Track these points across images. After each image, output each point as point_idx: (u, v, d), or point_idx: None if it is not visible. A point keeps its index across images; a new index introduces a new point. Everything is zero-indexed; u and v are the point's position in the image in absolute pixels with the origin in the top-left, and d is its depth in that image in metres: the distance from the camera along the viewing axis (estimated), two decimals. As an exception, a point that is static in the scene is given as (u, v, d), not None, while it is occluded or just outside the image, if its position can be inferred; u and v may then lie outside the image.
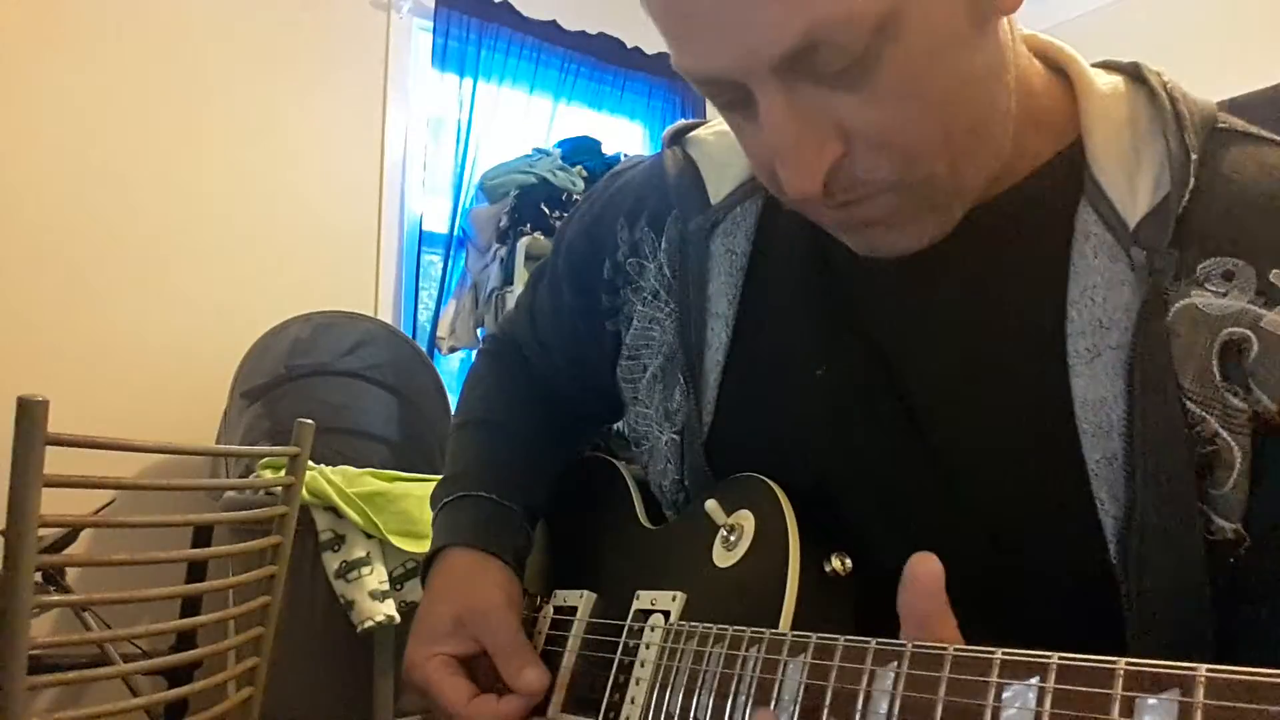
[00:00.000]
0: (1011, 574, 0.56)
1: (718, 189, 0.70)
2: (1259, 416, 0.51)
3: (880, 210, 0.54)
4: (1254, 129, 0.58)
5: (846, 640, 0.45)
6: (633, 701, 0.60)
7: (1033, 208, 0.58)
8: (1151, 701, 0.31)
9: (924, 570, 0.45)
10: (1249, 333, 0.51)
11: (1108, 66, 0.62)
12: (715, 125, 0.73)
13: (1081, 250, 0.55)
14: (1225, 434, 0.51)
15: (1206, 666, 0.31)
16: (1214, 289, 0.52)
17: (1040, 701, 0.35)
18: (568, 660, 0.69)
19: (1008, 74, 0.54)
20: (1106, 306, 0.54)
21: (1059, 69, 0.61)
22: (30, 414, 1.07)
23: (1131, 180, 0.55)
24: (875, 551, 0.57)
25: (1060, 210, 0.57)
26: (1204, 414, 0.51)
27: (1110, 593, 0.53)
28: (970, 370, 0.59)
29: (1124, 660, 0.33)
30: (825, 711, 0.44)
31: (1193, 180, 0.54)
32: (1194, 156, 0.54)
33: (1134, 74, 0.60)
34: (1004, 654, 0.38)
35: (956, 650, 0.40)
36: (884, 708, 0.41)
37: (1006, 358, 0.58)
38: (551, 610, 0.75)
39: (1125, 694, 0.32)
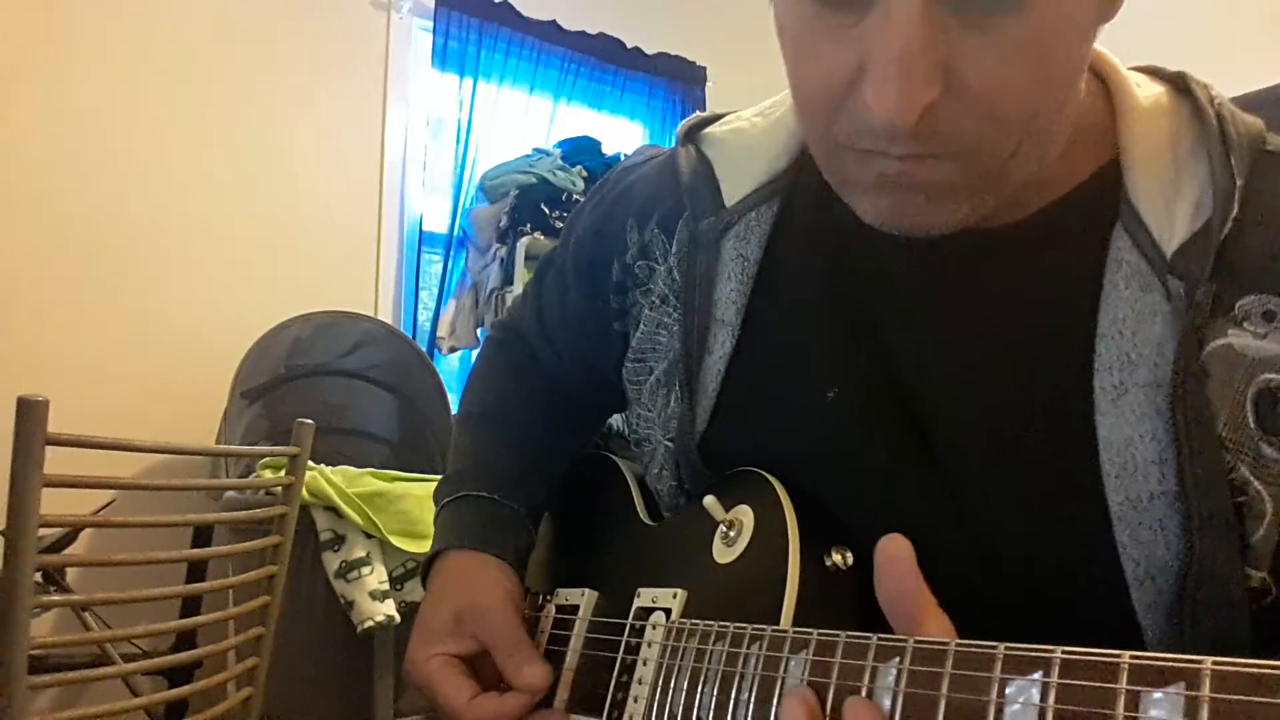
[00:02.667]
0: (1023, 607, 0.54)
1: (733, 190, 0.67)
2: None
3: (934, 175, 0.49)
4: None
5: (848, 636, 0.45)
6: (636, 700, 0.60)
7: (1066, 229, 0.55)
8: (1157, 695, 0.31)
9: (896, 548, 0.44)
10: None
11: (1151, 73, 0.59)
12: (731, 122, 0.71)
13: (1113, 279, 0.52)
14: (1256, 483, 0.49)
15: (1212, 660, 0.30)
16: (1252, 329, 0.50)
17: (1044, 697, 0.35)
18: (571, 660, 0.69)
19: (1082, 81, 0.52)
20: (1136, 340, 0.51)
21: (1097, 76, 0.58)
22: (30, 414, 1.07)
23: (1170, 205, 0.52)
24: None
25: (1094, 234, 0.54)
26: (1235, 461, 0.49)
27: (1127, 632, 0.51)
28: (989, 399, 0.56)
29: (1128, 654, 0.33)
30: (828, 708, 0.44)
31: (1235, 208, 0.51)
32: (1239, 182, 0.51)
33: (1179, 85, 0.57)
34: (1007, 649, 0.37)
35: (959, 645, 0.39)
36: (886, 704, 0.41)
37: (1028, 389, 0.55)
38: (554, 609, 0.75)
39: (1130, 688, 0.32)
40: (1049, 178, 0.55)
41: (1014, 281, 0.56)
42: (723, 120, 0.72)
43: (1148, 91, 0.57)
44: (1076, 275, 0.54)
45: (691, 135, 0.72)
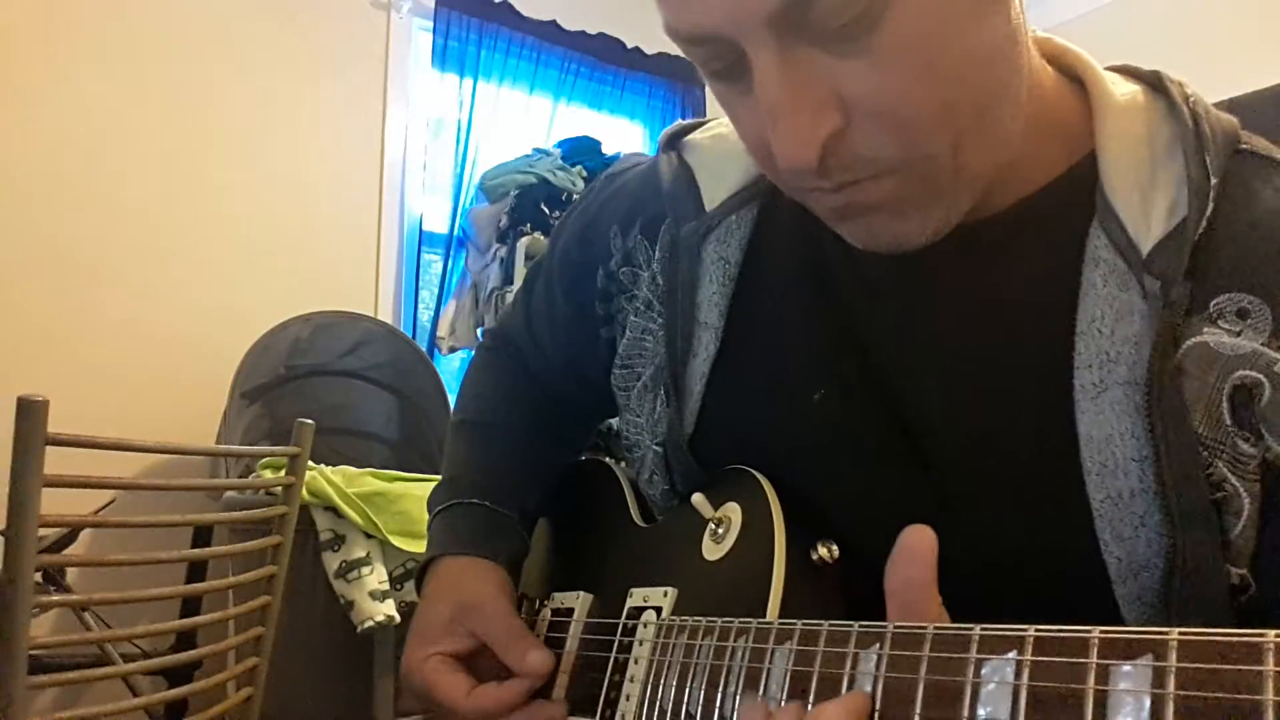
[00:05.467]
0: (1008, 605, 0.53)
1: (713, 195, 0.68)
2: (1269, 464, 0.48)
3: (881, 194, 0.50)
4: (1277, 152, 0.55)
5: (830, 625, 0.46)
6: (628, 698, 0.60)
7: (1042, 226, 0.55)
8: (1126, 668, 0.32)
9: (918, 538, 0.44)
10: (1262, 377, 0.48)
11: (1126, 72, 0.58)
12: (713, 129, 0.71)
13: (1091, 277, 0.52)
14: (1234, 479, 0.49)
15: (1179, 630, 0.31)
16: (1227, 327, 0.50)
17: (1018, 674, 0.35)
18: (566, 661, 0.69)
19: (1020, 60, 0.51)
20: (1114, 339, 0.51)
21: (1074, 76, 0.58)
22: (30, 414, 1.07)
23: (1146, 202, 0.52)
24: (867, 570, 0.56)
25: (1070, 231, 0.54)
26: (1212, 459, 0.49)
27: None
28: (971, 398, 0.56)
29: (1098, 629, 0.33)
30: (811, 696, 0.44)
31: (1210, 206, 0.51)
32: (1214, 181, 0.51)
33: (1154, 84, 0.56)
34: (982, 629, 0.38)
35: (936, 629, 0.40)
36: (867, 689, 0.41)
37: (1009, 387, 0.55)
38: (549, 613, 0.75)
39: (1100, 662, 0.32)
40: (1021, 172, 0.55)
41: (992, 277, 0.56)
42: (704, 127, 0.72)
43: (1123, 89, 0.56)
44: (1054, 272, 0.54)
45: (673, 142, 0.73)
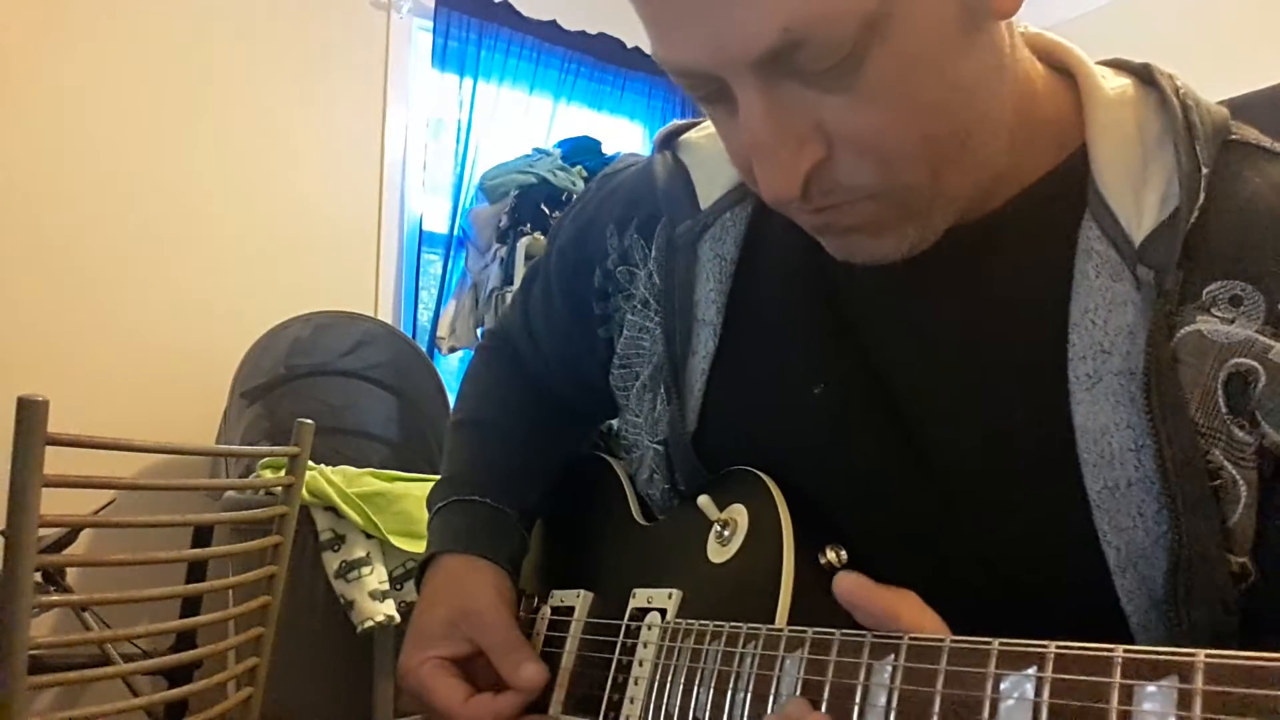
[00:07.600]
0: (1009, 599, 0.53)
1: (708, 194, 0.68)
2: (1265, 451, 0.49)
3: (859, 217, 0.52)
4: (1266, 142, 0.55)
5: (843, 634, 0.45)
6: (632, 701, 0.60)
7: (1035, 221, 0.56)
8: (1151, 689, 0.31)
9: (846, 588, 0.46)
10: (1256, 364, 0.49)
11: (1117, 66, 0.59)
12: (707, 127, 0.72)
13: (1083, 269, 0.53)
14: (1230, 467, 0.49)
15: (1205, 652, 0.30)
16: (1220, 314, 0.50)
17: (1038, 691, 0.35)
18: (566, 661, 0.69)
19: (1003, 82, 0.52)
20: (1108, 329, 0.51)
21: (1064, 70, 0.59)
22: (30, 414, 1.07)
23: (1138, 194, 0.53)
24: (868, 566, 0.56)
25: (1063, 224, 0.54)
26: (1209, 446, 0.49)
27: (1113, 620, 0.52)
28: (968, 392, 0.57)
29: (1121, 648, 0.33)
30: (824, 706, 0.44)
31: (1202, 196, 0.51)
32: (1205, 171, 0.51)
33: (1144, 77, 0.57)
34: (1001, 644, 0.37)
35: (953, 641, 0.39)
36: (882, 701, 0.41)
37: (1005, 380, 0.55)
38: (549, 611, 0.75)
39: (1124, 681, 0.32)
40: (1013, 170, 0.56)
41: (986, 273, 0.57)
42: (699, 126, 0.73)
43: (1114, 83, 0.57)
44: (1048, 265, 0.54)
45: (668, 142, 0.73)
